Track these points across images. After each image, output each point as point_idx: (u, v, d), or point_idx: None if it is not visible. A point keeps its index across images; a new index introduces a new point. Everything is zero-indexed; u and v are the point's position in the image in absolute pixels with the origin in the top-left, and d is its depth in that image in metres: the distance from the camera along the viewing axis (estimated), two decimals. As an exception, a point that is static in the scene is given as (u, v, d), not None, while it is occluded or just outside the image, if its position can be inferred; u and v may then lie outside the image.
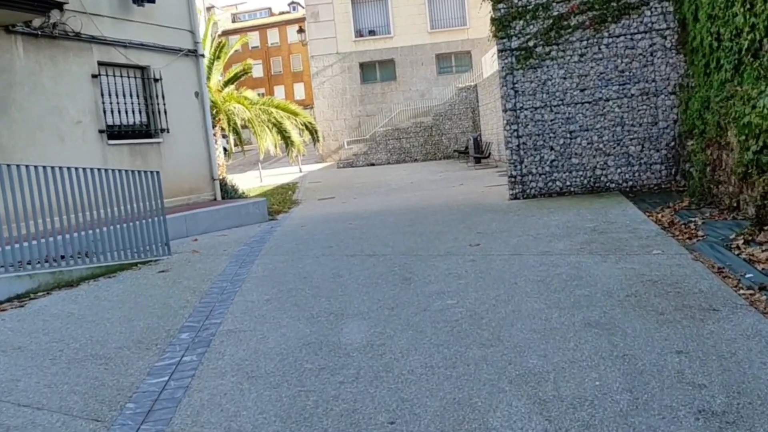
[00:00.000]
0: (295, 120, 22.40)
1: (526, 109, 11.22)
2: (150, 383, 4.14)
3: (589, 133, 11.09)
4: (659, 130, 10.87)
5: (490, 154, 24.36)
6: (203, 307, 5.94)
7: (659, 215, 8.36)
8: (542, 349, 4.05)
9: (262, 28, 76.11)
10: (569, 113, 11.11)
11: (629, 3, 10.77)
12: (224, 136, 34.28)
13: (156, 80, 12.28)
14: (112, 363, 4.58)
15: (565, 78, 11.08)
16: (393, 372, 3.91)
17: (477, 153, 26.02)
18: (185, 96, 13.01)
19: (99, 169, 8.24)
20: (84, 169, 7.91)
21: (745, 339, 3.89)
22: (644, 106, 10.88)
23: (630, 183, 11.06)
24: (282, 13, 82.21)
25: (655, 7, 10.72)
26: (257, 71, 75.59)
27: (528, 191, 11.38)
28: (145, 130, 12.26)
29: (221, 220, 11.96)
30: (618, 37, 10.88)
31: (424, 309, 5.18)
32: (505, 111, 11.32)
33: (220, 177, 14.26)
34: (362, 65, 34.08)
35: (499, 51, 11.27)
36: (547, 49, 11.09)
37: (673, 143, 10.82)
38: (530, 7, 11.06)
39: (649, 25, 10.75)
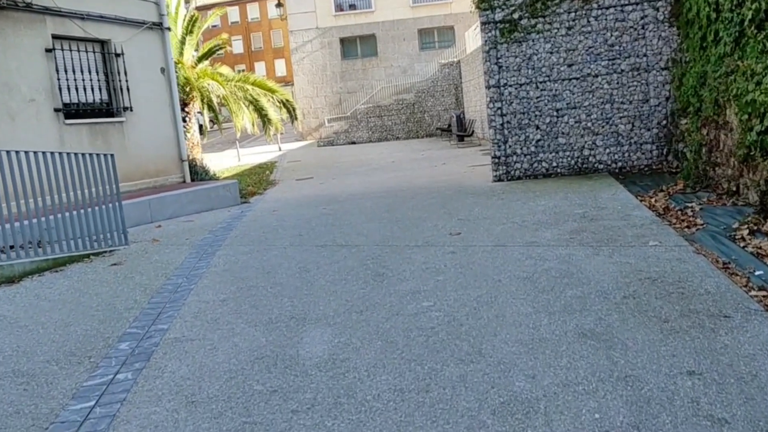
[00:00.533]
0: (272, 97, 21.56)
1: (510, 86, 10.59)
2: (73, 410, 3.52)
3: (577, 111, 10.49)
4: (650, 107, 10.29)
5: (473, 132, 23.75)
6: (151, 308, 5.31)
7: (652, 200, 7.81)
8: (530, 366, 3.47)
9: (241, 3, 74.41)
10: (556, 90, 10.50)
11: (620, -28, 10.13)
12: (200, 113, 33.38)
13: (117, 55, 11.48)
14: (34, 382, 3.95)
15: (551, 53, 10.45)
16: (356, 397, 3.32)
17: (460, 131, 25.39)
18: (150, 72, 12.23)
19: (46, 153, 7.53)
20: (28, 152, 7.20)
21: (766, 355, 3.34)
22: (635, 83, 10.29)
23: (619, 164, 10.50)
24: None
25: (648, -23, 10.09)
26: (237, 47, 74.20)
27: (512, 173, 10.79)
28: (106, 109, 11.49)
29: (189, 204, 11.27)
30: (608, 9, 10.25)
31: (396, 312, 4.60)
32: (488, 88, 10.68)
33: (191, 158, 13.55)
34: (343, 41, 33.17)
35: (482, 24, 10.60)
36: (533, 21, 10.44)
37: (665, 122, 10.26)
38: (515, -24, 10.39)
39: (641, -5, 10.13)
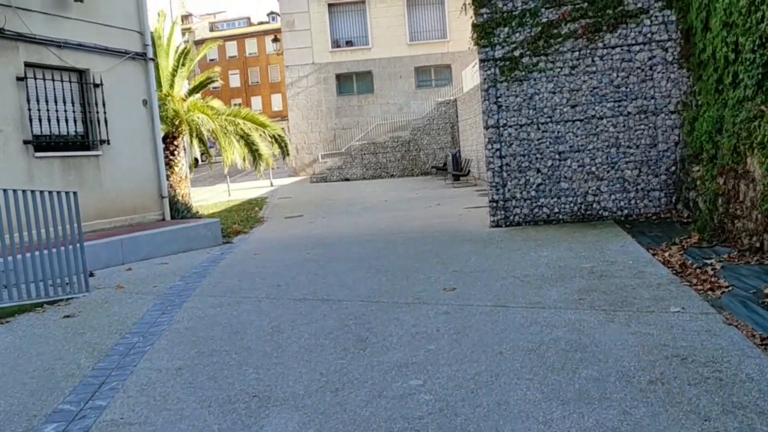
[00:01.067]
0: (263, 132, 21.01)
1: (510, 127, 9.99)
2: None
3: (581, 154, 9.88)
4: (659, 152, 9.69)
5: (469, 171, 23.18)
6: (95, 377, 4.55)
7: (666, 254, 7.13)
8: (543, 484, 2.73)
9: (240, 38, 74.82)
10: (558, 132, 9.90)
11: (626, 11, 9.61)
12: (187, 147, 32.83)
13: (96, 85, 10.86)
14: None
15: (554, 92, 9.88)
16: None
17: (456, 170, 24.84)
18: (131, 104, 11.61)
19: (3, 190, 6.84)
20: (-22, 188, 6.50)
21: None
22: (642, 126, 9.70)
23: (626, 211, 9.85)
24: (261, 23, 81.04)
25: (656, 16, 9.57)
26: (234, 81, 74.40)
27: (511, 218, 10.13)
28: (81, 142, 10.83)
29: (166, 244, 10.55)
30: (614, 48, 9.71)
31: (379, 393, 3.85)
32: (486, 128, 10.08)
33: (173, 194, 12.86)
34: (339, 76, 32.83)
35: (481, 61, 10.05)
36: (535, 59, 9.89)
37: (674, 168, 9.64)
38: (516, 12, 9.85)
39: (649, 35, 9.60)
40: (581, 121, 9.82)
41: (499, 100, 9.99)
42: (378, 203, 18.93)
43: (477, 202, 15.95)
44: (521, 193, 10.04)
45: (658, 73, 9.59)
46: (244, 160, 21.24)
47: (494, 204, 10.14)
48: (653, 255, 7.16)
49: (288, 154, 22.11)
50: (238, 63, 74.22)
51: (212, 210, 21.48)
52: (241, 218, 17.83)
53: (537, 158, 9.97)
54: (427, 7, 32.34)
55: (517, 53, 9.90)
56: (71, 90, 10.73)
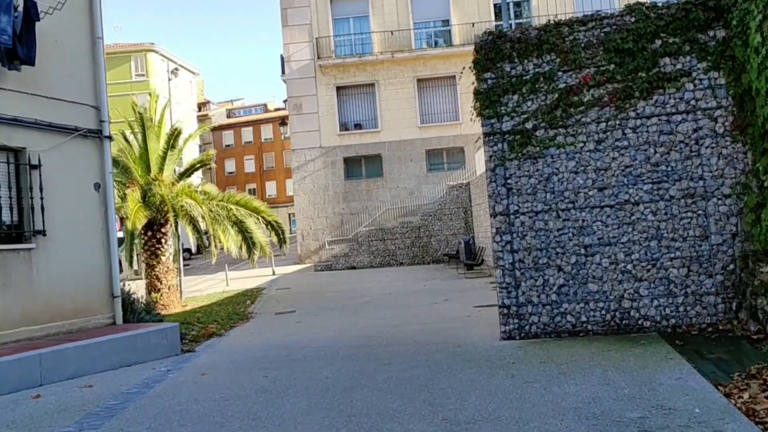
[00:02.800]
0: (258, 218, 19.35)
1: (523, 214, 8.09)
2: None
3: (612, 248, 7.90)
4: (711, 246, 7.69)
5: (483, 260, 21.16)
6: None
7: (745, 394, 5.01)
8: None
9: (255, 124, 75.10)
10: (584, 220, 7.97)
11: (664, 73, 7.85)
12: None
13: (33, 167, 9.22)
14: None
15: (576, 172, 8.01)
16: None
17: (469, 259, 22.86)
18: (80, 188, 9.93)
19: None
20: None
21: None
22: (689, 214, 7.74)
23: (672, 321, 7.76)
24: (277, 109, 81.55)
25: (700, 79, 7.78)
26: (250, 166, 74.16)
27: (527, 328, 8.06)
28: (10, 233, 9.08)
29: (103, 357, 8.58)
30: (649, 118, 7.89)
31: None
32: (494, 215, 8.18)
33: (130, 291, 10.95)
34: (347, 160, 31.50)
35: (486, 135, 8.27)
36: (552, 132, 8.08)
37: (732, 266, 7.61)
38: (527, 77, 8.13)
39: (693, 102, 7.78)
40: (612, 207, 7.90)
41: (509, 181, 8.13)
42: (380, 297, 16.94)
43: (489, 298, 13.88)
44: (539, 296, 8.01)
45: (707, 147, 7.71)
46: (240, 248, 19.39)
47: (505, 310, 8.11)
48: (727, 396, 5.05)
49: (285, 243, 20.30)
50: (254, 148, 74.22)
51: (202, 303, 19.65)
52: (227, 314, 15.95)
53: (558, 253, 8.00)
54: (439, 89, 31.28)
55: (529, 125, 8.12)
56: (3, 172, 9.08)
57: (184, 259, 39.98)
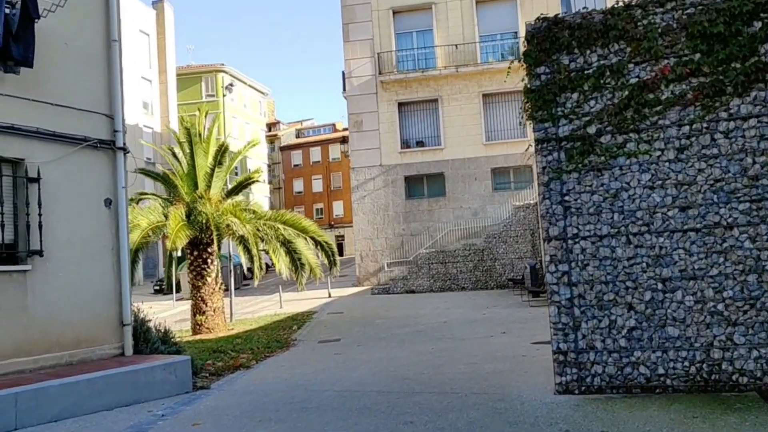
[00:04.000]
0: (306, 238, 18.27)
1: (584, 239, 6.58)
2: None
3: (698, 283, 6.27)
4: (831, 283, 5.95)
5: (549, 288, 19.39)
6: None
7: None
8: None
9: (324, 144, 75.08)
10: (662, 247, 6.38)
11: (765, 63, 6.21)
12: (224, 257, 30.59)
13: (32, 180, 8.35)
14: None
15: (652, 187, 6.45)
16: None
17: (535, 285, 21.08)
18: (87, 204, 9.02)
19: None
20: None
21: None
22: (800, 240, 6.04)
23: (779, 378, 6.05)
24: (345, 129, 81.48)
25: (814, 69, 6.11)
26: (317, 186, 74.05)
27: (588, 380, 6.50)
28: (6, 254, 8.21)
29: (95, 396, 7.53)
30: (745, 119, 6.27)
31: None
32: (548, 240, 6.70)
33: (144, 318, 9.93)
34: (408, 179, 30.23)
35: (539, 142, 6.82)
36: (621, 138, 6.56)
37: None
38: (590, 71, 6.64)
39: (804, 99, 6.12)
40: (697, 231, 6.28)
41: (567, 198, 6.64)
42: (433, 326, 15.53)
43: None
44: (603, 341, 6.45)
45: (824, 156, 6.02)
46: (290, 270, 18.31)
47: (561, 357, 6.57)
48: None
49: (335, 264, 19.12)
50: (321, 168, 74.13)
51: (249, 326, 18.72)
52: (268, 341, 14.94)
53: (628, 288, 6.43)
54: (505, 105, 29.68)
55: (592, 129, 6.62)
56: (-1, 186, 8.26)
57: (245, 278, 39.60)
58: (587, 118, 6.62)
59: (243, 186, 19.26)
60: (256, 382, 9.28)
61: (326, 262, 19.58)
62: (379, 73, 30.22)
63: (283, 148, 76.77)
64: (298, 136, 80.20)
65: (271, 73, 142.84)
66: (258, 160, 64.83)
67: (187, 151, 18.49)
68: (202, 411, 7.34)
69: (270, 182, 72.58)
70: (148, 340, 9.61)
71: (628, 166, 6.53)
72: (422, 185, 30.40)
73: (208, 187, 18.16)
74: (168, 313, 24.91)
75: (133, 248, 15.88)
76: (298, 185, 74.83)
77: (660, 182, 6.43)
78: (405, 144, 30.53)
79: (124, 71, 9.68)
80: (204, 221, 17.21)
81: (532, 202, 26.50)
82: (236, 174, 58.80)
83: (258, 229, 17.79)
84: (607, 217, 6.52)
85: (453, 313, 18.08)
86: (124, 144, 9.51)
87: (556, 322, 6.58)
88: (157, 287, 33.92)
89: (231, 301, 22.01)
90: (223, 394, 8.38)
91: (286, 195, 75.40)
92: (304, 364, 10.92)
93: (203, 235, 17.46)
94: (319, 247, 19.02)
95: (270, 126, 78.66)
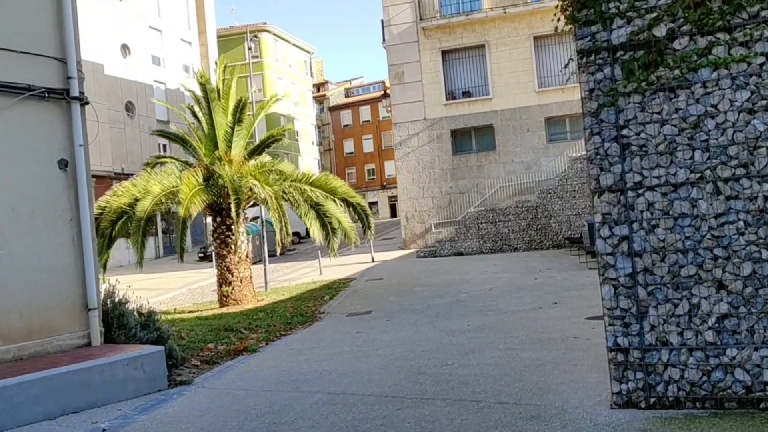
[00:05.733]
0: (335, 200, 16.55)
1: (651, 189, 4.59)
2: None
3: (825, 248, 4.23)
4: None
5: (610, 247, 17.16)
6: None
7: None
8: None
9: (373, 102, 72.75)
10: (767, 198, 4.35)
11: None
12: (254, 219, 29.12)
13: (-41, 139, 6.87)
14: None
15: (752, 111, 4.39)
16: None
17: (593, 245, 18.90)
18: (36, 166, 7.49)
19: None
20: None
21: None
22: None
23: None
24: (395, 85, 78.96)
25: None
26: (368, 146, 72.24)
27: (659, 389, 4.58)
28: (-71, 228, 6.79)
29: (32, 403, 6.08)
30: None
31: None
32: (598, 193, 4.74)
33: (118, 301, 8.39)
34: (454, 133, 28.09)
35: (583, 54, 4.80)
36: (703, 41, 4.49)
37: None
38: (657, -54, 4.56)
39: None
40: (825, 172, 4.22)
41: (625, 132, 4.65)
42: (476, 295, 13.73)
43: (611, 304, 10.31)
44: (681, 335, 4.51)
45: None
46: (325, 235, 16.64)
47: (620, 356, 4.66)
48: None
49: (369, 228, 17.39)
50: (372, 127, 72.14)
51: (281, 296, 17.37)
52: (291, 315, 13.47)
53: (717, 258, 4.44)
54: (559, 47, 27.00)
55: (660, 31, 4.56)
56: (-77, 147, 6.78)
57: (292, 243, 38.45)
58: (653, 15, 4.56)
59: (266, 145, 17.60)
60: (248, 375, 7.71)
61: (363, 224, 17.86)
62: (420, 19, 27.94)
63: (332, 109, 75.02)
64: (347, 96, 78.17)
65: (317, 32, 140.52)
66: (306, 121, 63.34)
67: (205, 108, 16.95)
68: (153, 423, 5.78)
69: (320, 144, 71.20)
70: (123, 326, 8.12)
71: (716, 82, 4.47)
72: (470, 139, 28.21)
73: (229, 147, 16.63)
74: (208, 282, 23.85)
75: (144, 217, 14.54)
76: (349, 146, 73.15)
77: (765, 103, 4.36)
78: (450, 95, 28.31)
79: (76, 7, 7.98)
80: (224, 185, 15.71)
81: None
82: (284, 136, 57.70)
83: (284, 192, 16.18)
84: (684, 158, 4.51)
85: (500, 279, 16.19)
86: (82, 93, 7.90)
87: (612, 308, 4.65)
88: (201, 254, 33.08)
89: (265, 269, 20.63)
90: (198, 395, 6.81)
91: (336, 156, 73.92)
92: (314, 348, 9.31)
93: (222, 200, 15.98)
94: (351, 209, 17.31)
95: (318, 86, 76.88)
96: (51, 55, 7.69)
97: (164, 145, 37.90)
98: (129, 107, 37.60)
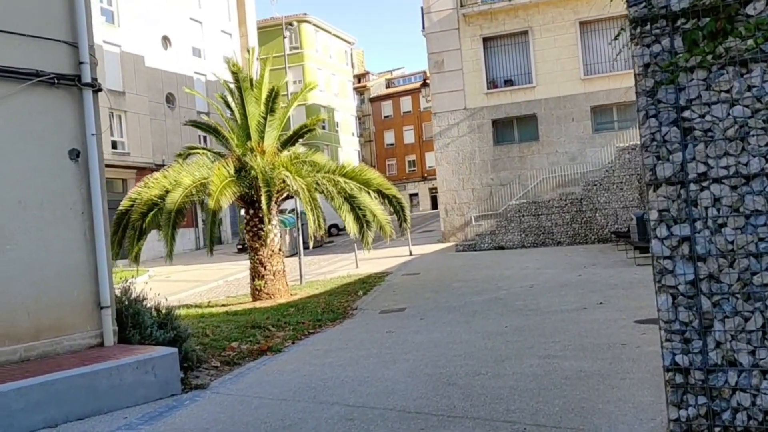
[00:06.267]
0: (369, 192, 15.98)
1: (717, 181, 3.88)
2: None
3: None
4: None
5: (660, 242, 16.20)
6: None
7: None
8: None
9: (414, 93, 71.94)
10: None
11: None
12: (290, 211, 28.68)
13: (-39, 128, 6.51)
14: None
15: None
16: None
17: (643, 239, 17.95)
18: (45, 156, 7.10)
19: None
20: None
21: None
22: None
23: None
24: (437, 75, 77.94)
25: None
26: (409, 137, 71.48)
27: (726, 417, 3.88)
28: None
29: (31, 411, 5.69)
30: None
31: None
32: (654, 185, 4.05)
33: (139, 299, 7.98)
34: (496, 122, 27.26)
35: (636, 23, 4.10)
36: (785, 4, 3.76)
37: None
38: None
39: None
40: None
41: (687, 115, 3.94)
42: (516, 292, 13.06)
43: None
44: (753, 353, 3.80)
45: None
46: (359, 228, 16.10)
47: (679, 377, 3.97)
48: None
49: (405, 221, 16.80)
50: (412, 118, 71.38)
51: (315, 290, 16.98)
52: (324, 310, 13.04)
53: (797, 263, 3.72)
54: (606, 32, 25.88)
55: (731, -7, 3.84)
56: (-74, 137, 6.44)
57: (331, 235, 38.09)
58: (723, -25, 3.83)
59: (300, 135, 17.14)
60: (267, 380, 7.21)
61: (399, 217, 17.25)
62: (461, 6, 27.17)
63: (372, 100, 74.47)
64: (388, 87, 77.52)
65: (358, 22, 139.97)
66: (346, 112, 62.90)
67: (237, 98, 16.56)
68: (157, 435, 5.32)
69: (360, 135, 70.72)
70: (139, 325, 7.71)
71: (799, 53, 3.72)
72: (512, 129, 27.35)
73: (261, 138, 16.22)
74: (244, 274, 23.64)
75: (174, 209, 14.22)
76: (390, 137, 72.54)
77: None
78: (492, 84, 27.48)
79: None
80: (255, 176, 15.30)
81: (639, 142, 22.97)
82: (324, 128, 57.30)
83: (317, 184, 15.68)
84: (759, 144, 3.78)
85: (542, 275, 15.44)
86: (94, 79, 7.47)
87: (669, 321, 3.96)
88: (240, 246, 33.01)
89: (300, 262, 20.24)
90: (210, 403, 6.34)
91: (377, 147, 73.39)
92: (341, 349, 8.79)
93: (254, 193, 15.58)
94: (386, 201, 16.72)
95: (359, 77, 76.36)
96: (61, 39, 7.28)
97: (204, 137, 37.94)
98: (170, 99, 37.68)
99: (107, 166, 34.25)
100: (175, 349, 6.96)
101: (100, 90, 7.57)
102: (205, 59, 40.76)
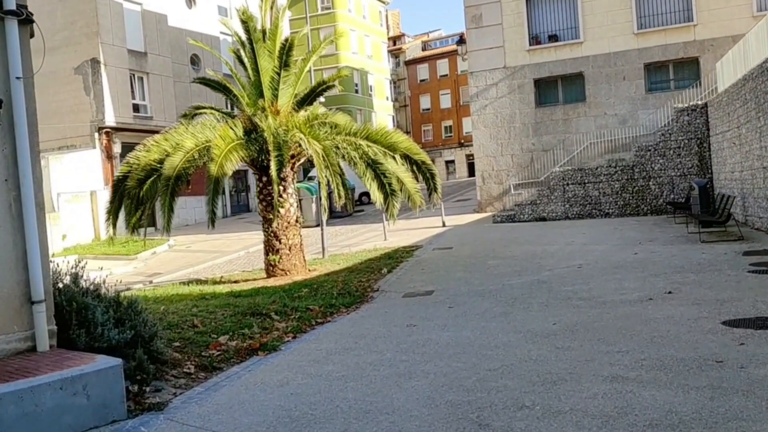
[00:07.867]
0: (395, 157, 14.13)
1: None
2: None
3: None
4: None
5: (729, 215, 14.03)
6: None
7: None
8: None
9: (451, 55, 69.04)
10: None
11: None
12: (310, 178, 26.87)
13: None
14: None
15: None
16: None
17: (706, 212, 15.81)
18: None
19: None
20: None
21: None
22: None
23: None
24: (475, 37, 74.78)
25: None
26: (446, 102, 68.91)
27: None
28: None
29: None
30: None
31: None
32: None
33: (91, 289, 6.33)
34: (538, 82, 24.96)
35: None
36: None
37: None
38: None
39: None
40: None
41: None
42: (562, 274, 11.22)
43: (754, 296, 7.58)
44: None
45: None
46: (383, 197, 14.23)
47: None
48: None
49: (435, 190, 14.93)
50: (449, 82, 68.68)
51: (336, 266, 15.30)
52: (340, 292, 11.41)
53: None
54: (664, -20, 23.23)
55: None
56: None
57: (362, 204, 36.31)
58: None
59: (317, 93, 15.32)
60: (242, 399, 5.52)
61: (429, 186, 15.35)
62: (501, -47, 24.72)
63: (408, 63, 71.88)
64: (424, 49, 74.73)
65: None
66: (380, 75, 60.68)
67: (249, 52, 14.76)
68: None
69: (395, 100, 68.45)
70: (87, 323, 6.04)
71: None
72: (556, 89, 25.02)
73: (275, 96, 14.44)
74: (266, 245, 22.20)
75: (173, 175, 12.58)
76: (425, 102, 70.02)
77: None
78: (534, 39, 25.12)
79: None
80: (266, 140, 13.54)
81: (699, 102, 20.52)
82: (357, 91, 55.23)
83: (337, 147, 13.86)
84: None
85: (591, 253, 13.48)
86: (22, 6, 5.72)
87: None
88: (265, 214, 31.44)
89: (323, 235, 18.49)
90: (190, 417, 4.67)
91: (412, 112, 71.02)
92: (348, 350, 7.07)
93: (263, 157, 13.82)
94: (415, 167, 14.83)
95: (394, 40, 73.77)
96: (-24, -47, 5.53)
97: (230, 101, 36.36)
98: (194, 60, 36.05)
99: (127, 129, 32.58)
100: (119, 360, 5.28)
101: (31, 21, 5.83)
102: (232, 18, 38.90)
